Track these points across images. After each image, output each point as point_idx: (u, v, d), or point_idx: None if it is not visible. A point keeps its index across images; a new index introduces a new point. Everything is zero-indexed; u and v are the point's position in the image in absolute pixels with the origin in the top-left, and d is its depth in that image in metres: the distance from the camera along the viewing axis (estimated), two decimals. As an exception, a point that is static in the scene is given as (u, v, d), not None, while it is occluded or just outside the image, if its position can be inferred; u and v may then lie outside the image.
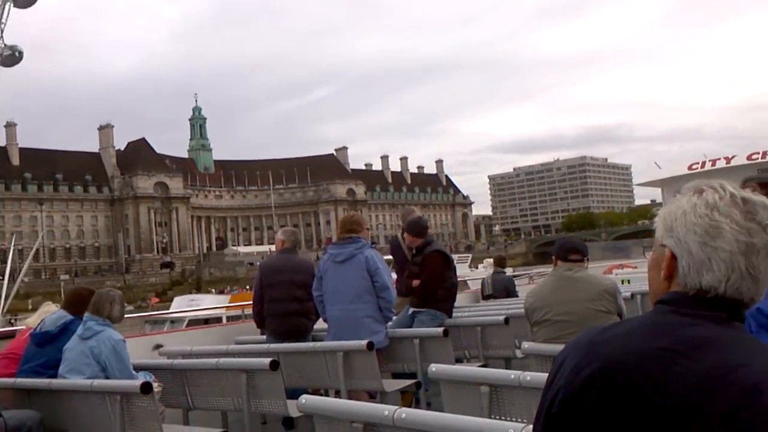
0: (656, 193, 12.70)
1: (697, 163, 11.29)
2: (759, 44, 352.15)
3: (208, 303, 33.97)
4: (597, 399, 1.17)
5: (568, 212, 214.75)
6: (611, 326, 1.29)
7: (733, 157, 11.13)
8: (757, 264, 1.21)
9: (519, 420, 3.27)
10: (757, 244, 1.21)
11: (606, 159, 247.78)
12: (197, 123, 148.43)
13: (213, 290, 69.45)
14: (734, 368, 1.12)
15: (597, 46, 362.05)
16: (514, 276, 15.27)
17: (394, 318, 6.64)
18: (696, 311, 1.22)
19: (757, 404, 1.08)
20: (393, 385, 5.85)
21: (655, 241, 1.33)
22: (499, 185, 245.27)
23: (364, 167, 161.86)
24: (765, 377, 1.10)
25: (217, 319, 21.15)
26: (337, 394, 5.56)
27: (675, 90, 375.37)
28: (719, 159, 11.22)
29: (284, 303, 6.61)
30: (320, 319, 6.60)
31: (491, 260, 12.91)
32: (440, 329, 6.03)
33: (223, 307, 26.78)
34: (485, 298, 11.45)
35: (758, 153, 10.83)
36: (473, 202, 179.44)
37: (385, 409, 2.86)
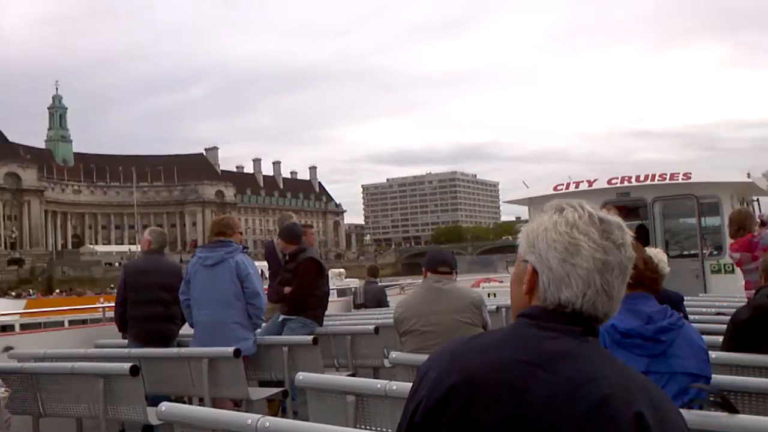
0: (522, 211, 13.22)
1: (562, 185, 11.86)
2: (623, 75, 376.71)
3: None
4: (458, 409, 1.22)
5: (437, 225, 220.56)
6: (474, 338, 1.35)
7: (595, 180, 11.79)
8: (612, 281, 1.28)
9: (385, 429, 3.31)
10: (612, 262, 1.28)
11: (475, 175, 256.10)
12: (57, 112, 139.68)
13: (12, 293, 60.77)
14: (588, 381, 1.18)
15: (473, 66, 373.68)
16: (386, 286, 15.43)
17: (264, 325, 6.53)
18: (554, 325, 1.27)
19: (607, 415, 1.14)
20: (259, 393, 5.76)
21: (518, 257, 1.38)
22: (373, 195, 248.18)
23: (235, 169, 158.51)
24: (616, 390, 1.17)
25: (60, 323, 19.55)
26: (201, 402, 5.39)
27: (544, 113, 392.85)
28: (582, 182, 11.84)
29: (149, 306, 6.33)
30: (186, 324, 6.37)
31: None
32: (310, 337, 6.01)
33: (15, 313, 24.38)
34: (357, 307, 11.50)
35: (617, 178, 11.53)
36: (345, 211, 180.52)
37: (248, 418, 2.81)
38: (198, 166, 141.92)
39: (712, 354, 3.66)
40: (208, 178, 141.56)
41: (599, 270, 1.28)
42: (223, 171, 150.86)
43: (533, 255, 1.33)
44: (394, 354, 4.70)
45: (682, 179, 10.97)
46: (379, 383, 3.53)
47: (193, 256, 6.24)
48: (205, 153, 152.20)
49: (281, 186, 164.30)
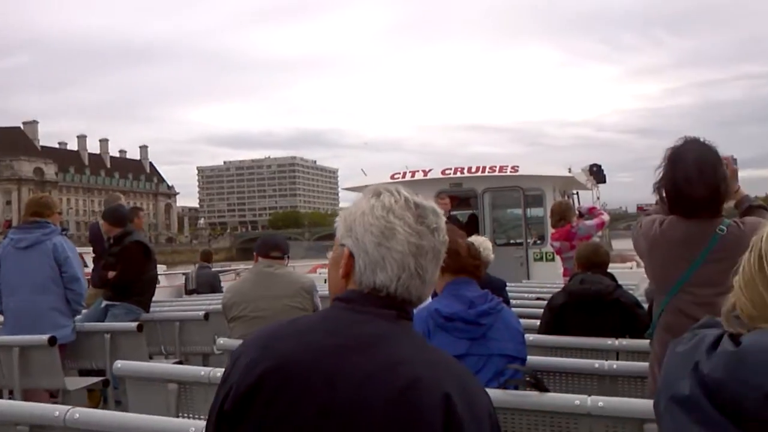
0: (360, 198, 13.55)
1: (399, 173, 12.12)
2: (461, 70, 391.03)
3: None
4: (270, 395, 1.21)
5: (275, 210, 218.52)
6: (290, 322, 1.35)
7: (430, 170, 12.14)
8: (425, 265, 1.31)
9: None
10: (426, 246, 1.31)
11: (315, 161, 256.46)
12: None
13: None
14: (398, 364, 1.21)
15: (315, 52, 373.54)
16: (220, 272, 15.09)
17: (84, 311, 6.15)
18: (369, 309, 1.29)
19: (415, 398, 1.17)
20: (77, 383, 5.41)
21: (336, 241, 1.39)
22: (209, 178, 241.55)
23: (57, 146, 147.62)
24: (426, 373, 1.20)
25: None
26: (12, 395, 4.98)
27: (384, 102, 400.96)
28: (418, 171, 12.16)
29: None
30: None
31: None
32: (134, 324, 5.72)
33: None
34: (189, 293, 11.15)
35: (450, 169, 11.93)
36: (178, 193, 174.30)
37: (56, 410, 2.64)
38: (14, 141, 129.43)
39: (530, 336, 3.87)
40: (26, 154, 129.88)
41: (413, 254, 1.30)
42: (43, 147, 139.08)
43: (350, 239, 1.34)
44: (221, 340, 4.58)
45: (510, 172, 11.54)
46: (203, 370, 3.44)
47: (5, 238, 5.76)
48: (23, 127, 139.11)
49: (108, 165, 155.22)
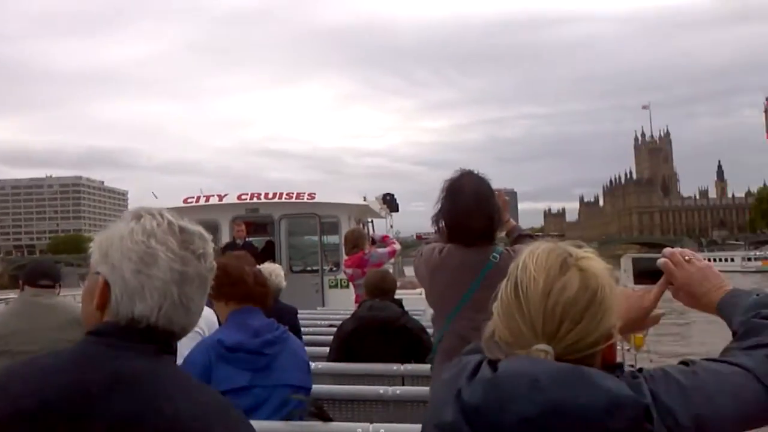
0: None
1: (193, 197, 11.73)
2: (259, 96, 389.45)
3: None
4: None
5: (56, 233, 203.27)
6: (32, 360, 1.18)
7: (225, 195, 11.87)
8: (190, 293, 1.22)
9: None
10: (191, 273, 1.22)
11: (102, 182, 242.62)
12: None
13: None
14: (158, 403, 1.11)
15: (107, 69, 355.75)
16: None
17: None
18: (126, 343, 1.17)
19: None
20: None
21: (90, 268, 1.25)
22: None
23: None
24: (186, 413, 1.11)
25: None
26: None
27: (180, 124, 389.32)
28: (213, 196, 11.84)
29: None
30: None
31: None
32: None
33: None
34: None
35: (247, 194, 11.76)
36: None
37: None
38: None
39: (318, 364, 3.87)
40: None
41: (177, 281, 1.20)
42: None
43: (106, 266, 1.21)
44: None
45: (307, 199, 11.60)
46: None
47: None
48: None
49: None
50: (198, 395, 1.19)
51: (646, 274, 1.60)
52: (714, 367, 1.21)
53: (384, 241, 8.20)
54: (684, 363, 1.23)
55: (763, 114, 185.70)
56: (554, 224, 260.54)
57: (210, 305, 3.20)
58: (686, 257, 1.51)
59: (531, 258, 1.21)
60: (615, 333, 1.19)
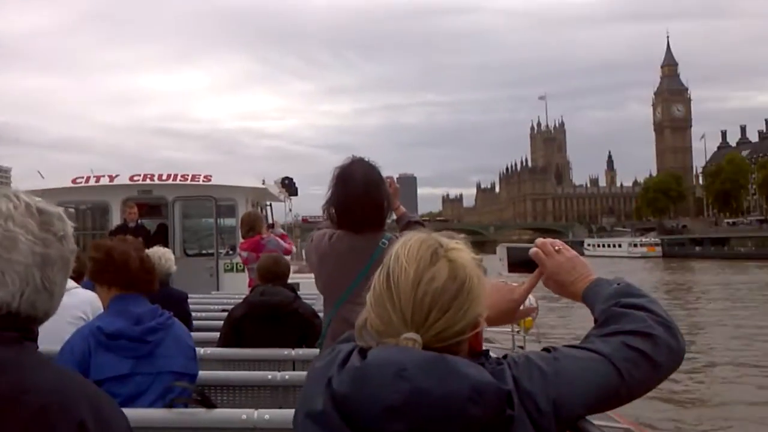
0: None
1: (82, 177, 11.28)
2: (155, 73, 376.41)
3: None
4: None
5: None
6: None
7: (116, 176, 11.46)
8: (53, 276, 1.19)
9: None
10: (53, 256, 1.19)
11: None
12: None
13: None
14: (23, 392, 1.07)
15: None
16: None
17: None
18: None
19: (46, 426, 1.05)
20: None
21: None
22: None
23: None
24: (54, 399, 1.08)
25: None
26: None
27: (72, 99, 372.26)
28: (104, 176, 11.42)
29: None
30: None
31: None
32: None
33: None
34: None
35: (139, 175, 11.40)
36: None
37: None
38: None
39: (207, 350, 3.82)
40: None
41: (39, 265, 1.16)
42: None
43: None
44: None
45: (203, 181, 11.36)
46: None
47: None
48: None
49: None
50: (65, 379, 1.16)
51: (520, 263, 1.66)
52: (573, 353, 1.28)
53: (283, 238, 8.23)
54: (546, 350, 1.29)
55: (651, 108, 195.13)
56: (452, 209, 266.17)
57: (93, 289, 3.11)
58: (556, 247, 1.58)
59: (403, 249, 1.24)
60: (482, 322, 1.23)
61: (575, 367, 1.24)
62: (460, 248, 1.25)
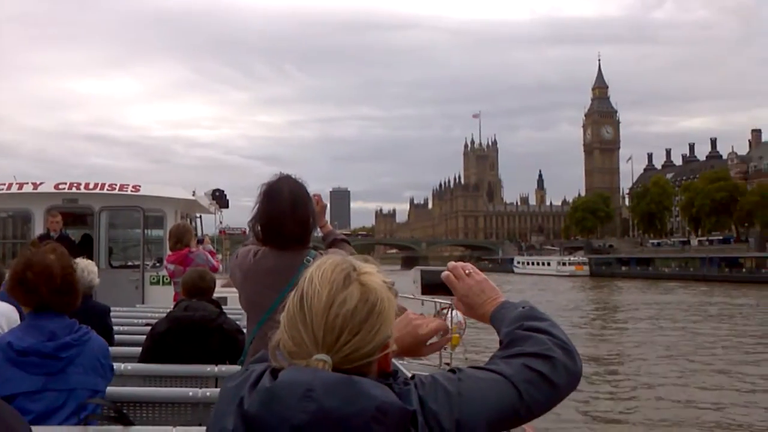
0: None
1: (4, 185, 10.92)
2: (85, 75, 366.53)
3: None
4: None
5: None
6: None
7: (41, 183, 11.11)
8: None
9: None
10: None
11: None
12: None
13: None
14: None
15: None
16: None
17: None
18: None
19: None
20: None
21: None
22: None
23: None
24: None
25: None
26: None
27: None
28: (27, 183, 11.06)
29: None
30: None
31: None
32: None
33: None
34: None
35: (65, 183, 11.07)
36: None
37: None
38: None
39: (128, 366, 3.76)
40: None
41: None
42: None
43: None
44: None
45: (131, 191, 11.10)
46: None
47: None
48: None
49: None
50: None
51: (433, 285, 1.71)
52: (477, 374, 1.33)
53: (212, 255, 8.15)
54: (452, 371, 1.34)
55: (581, 129, 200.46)
56: (385, 224, 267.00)
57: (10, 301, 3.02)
58: (467, 271, 1.64)
59: (317, 272, 1.27)
60: (391, 343, 1.27)
61: (478, 388, 1.29)
62: (371, 272, 1.29)
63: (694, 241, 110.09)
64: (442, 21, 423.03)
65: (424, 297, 1.82)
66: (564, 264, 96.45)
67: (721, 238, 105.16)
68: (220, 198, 13.63)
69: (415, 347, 1.62)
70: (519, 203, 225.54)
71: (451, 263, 1.66)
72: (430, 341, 1.62)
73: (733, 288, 57.05)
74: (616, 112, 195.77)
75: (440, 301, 6.02)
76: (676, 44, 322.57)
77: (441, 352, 8.28)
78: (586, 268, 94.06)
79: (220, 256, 8.00)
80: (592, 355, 20.47)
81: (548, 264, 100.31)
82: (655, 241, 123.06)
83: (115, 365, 3.59)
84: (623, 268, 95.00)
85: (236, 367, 3.53)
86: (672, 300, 45.49)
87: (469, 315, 1.63)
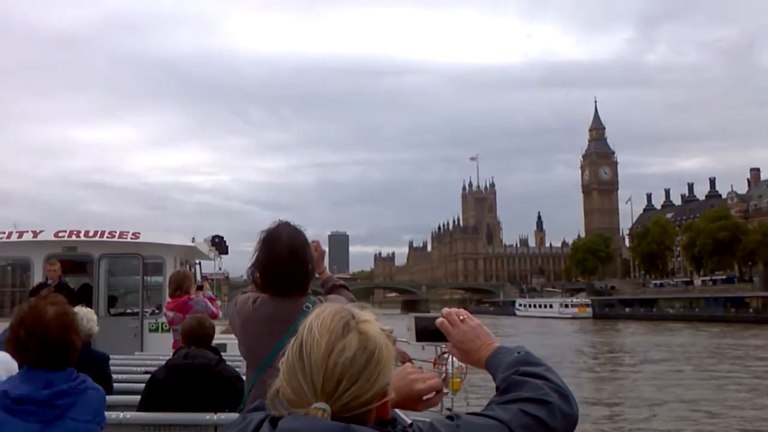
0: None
1: (4, 233, 10.96)
2: (79, 123, 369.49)
3: None
4: None
5: None
6: None
7: (41, 231, 11.15)
8: None
9: None
10: None
11: None
12: None
13: None
14: None
15: None
16: None
17: None
18: None
19: None
20: None
21: None
22: None
23: None
24: None
25: None
26: None
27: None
28: (27, 232, 11.10)
29: None
30: None
31: None
32: None
33: None
34: None
35: (65, 231, 11.11)
36: None
37: None
38: None
39: (127, 414, 3.73)
40: None
41: None
42: None
43: None
44: None
45: (131, 238, 11.14)
46: None
47: None
48: None
49: None
50: None
51: (427, 332, 1.72)
52: (474, 420, 1.34)
53: (212, 301, 8.13)
54: (450, 417, 1.34)
55: (579, 170, 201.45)
56: (384, 268, 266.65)
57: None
58: (461, 317, 1.65)
59: (317, 321, 1.27)
60: (389, 391, 1.27)
61: None
62: (370, 320, 1.30)
63: (697, 281, 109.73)
64: (436, 66, 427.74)
65: (419, 343, 1.81)
66: (566, 306, 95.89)
67: (724, 277, 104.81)
68: (219, 244, 13.65)
69: (410, 403, 1.61)
70: (518, 245, 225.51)
71: (446, 309, 1.67)
72: (426, 396, 1.62)
73: (742, 328, 56.53)
74: (613, 152, 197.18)
75: (440, 345, 6.01)
76: (670, 87, 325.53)
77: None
78: (589, 310, 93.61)
79: (219, 303, 7.96)
80: (597, 399, 20.21)
81: (550, 306, 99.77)
82: (658, 282, 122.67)
83: (114, 414, 3.59)
84: (627, 310, 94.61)
85: (235, 415, 3.50)
86: (684, 342, 44.88)
87: (465, 361, 1.64)
